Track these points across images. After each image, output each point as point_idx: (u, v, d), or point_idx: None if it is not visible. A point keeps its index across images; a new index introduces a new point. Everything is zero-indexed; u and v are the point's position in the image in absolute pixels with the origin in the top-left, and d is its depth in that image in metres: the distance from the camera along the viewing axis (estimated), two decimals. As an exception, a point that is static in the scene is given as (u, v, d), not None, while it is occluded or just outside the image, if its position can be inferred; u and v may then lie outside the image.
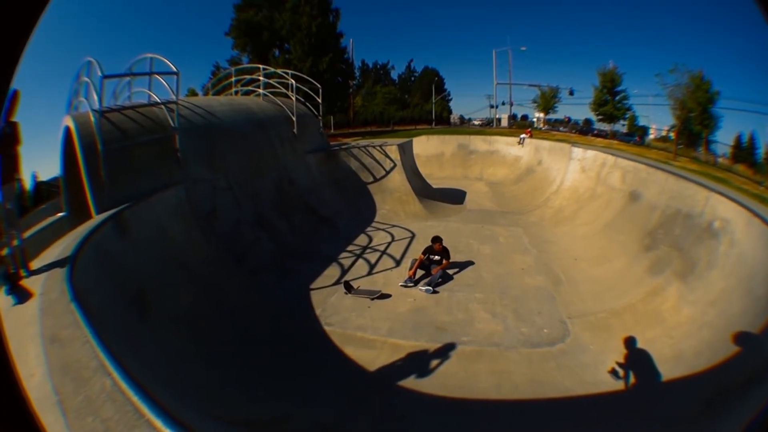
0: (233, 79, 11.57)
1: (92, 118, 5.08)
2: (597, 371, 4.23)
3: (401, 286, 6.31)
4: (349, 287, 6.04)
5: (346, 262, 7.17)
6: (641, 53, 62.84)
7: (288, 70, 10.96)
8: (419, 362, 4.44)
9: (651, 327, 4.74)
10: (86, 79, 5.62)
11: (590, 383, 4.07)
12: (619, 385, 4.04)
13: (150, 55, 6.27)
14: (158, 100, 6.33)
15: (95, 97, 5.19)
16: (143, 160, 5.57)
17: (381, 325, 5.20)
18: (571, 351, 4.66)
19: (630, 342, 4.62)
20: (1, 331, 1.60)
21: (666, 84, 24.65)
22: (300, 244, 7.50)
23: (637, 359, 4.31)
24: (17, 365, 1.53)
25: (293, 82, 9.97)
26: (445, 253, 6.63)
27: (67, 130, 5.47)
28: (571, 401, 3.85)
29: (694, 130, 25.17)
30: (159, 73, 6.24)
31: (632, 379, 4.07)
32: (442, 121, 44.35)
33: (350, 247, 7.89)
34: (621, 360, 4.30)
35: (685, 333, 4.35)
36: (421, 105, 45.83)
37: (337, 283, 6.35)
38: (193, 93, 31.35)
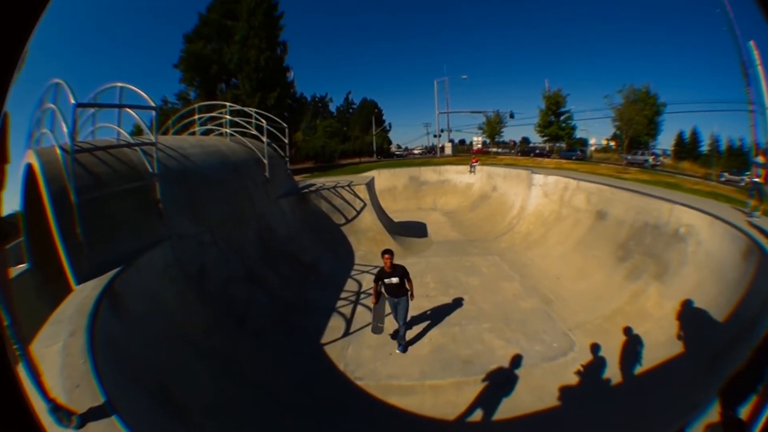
0: (196, 116, 10.53)
1: (60, 158, 4.16)
2: (609, 368, 4.80)
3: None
4: (378, 330, 5.62)
5: (346, 311, 6.79)
6: (578, 69, 70.57)
7: (255, 109, 10.51)
8: (463, 396, 4.46)
9: (641, 323, 5.45)
10: (53, 105, 4.61)
11: (605, 378, 4.61)
12: (630, 372, 4.63)
13: (120, 84, 5.20)
14: (131, 140, 5.44)
15: (64, 129, 4.14)
16: (122, 213, 4.69)
17: (411, 371, 5.03)
18: (582, 357, 5.15)
19: (627, 332, 5.32)
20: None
21: (614, 105, 27.75)
22: (294, 297, 6.93)
23: (635, 350, 4.99)
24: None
25: (264, 123, 9.53)
26: (401, 270, 5.04)
27: (29, 168, 4.45)
28: (598, 396, 4.34)
29: (641, 140, 27.87)
30: (133, 107, 5.31)
31: (637, 367, 4.68)
32: (383, 152, 45.65)
33: (343, 294, 7.50)
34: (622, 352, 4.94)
35: (672, 321, 5.08)
36: (362, 137, 46.70)
37: (345, 335, 5.95)
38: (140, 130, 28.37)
